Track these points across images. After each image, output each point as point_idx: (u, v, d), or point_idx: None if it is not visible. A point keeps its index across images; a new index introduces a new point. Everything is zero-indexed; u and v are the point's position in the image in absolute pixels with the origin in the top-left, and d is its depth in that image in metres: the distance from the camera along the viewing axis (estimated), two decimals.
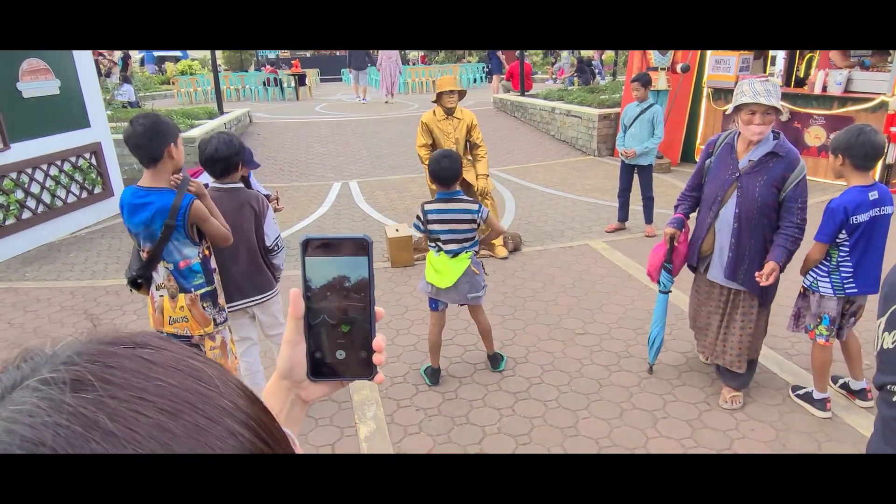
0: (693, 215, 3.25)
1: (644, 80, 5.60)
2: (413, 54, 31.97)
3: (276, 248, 3.07)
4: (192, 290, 2.67)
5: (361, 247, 0.66)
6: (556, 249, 5.52)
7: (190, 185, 2.55)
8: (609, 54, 23.08)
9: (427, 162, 5.27)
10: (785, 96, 7.53)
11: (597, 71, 19.23)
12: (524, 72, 13.08)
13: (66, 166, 6.31)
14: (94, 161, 6.68)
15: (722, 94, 7.98)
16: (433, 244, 3.41)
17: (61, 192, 6.25)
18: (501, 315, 4.29)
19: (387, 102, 15.60)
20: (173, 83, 18.91)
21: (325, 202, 7.29)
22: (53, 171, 6.13)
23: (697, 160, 3.15)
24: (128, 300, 4.69)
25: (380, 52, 16.04)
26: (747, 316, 3.03)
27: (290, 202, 7.32)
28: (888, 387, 1.08)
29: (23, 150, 5.80)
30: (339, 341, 0.69)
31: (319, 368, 0.70)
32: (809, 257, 2.98)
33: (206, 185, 2.82)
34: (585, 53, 24.42)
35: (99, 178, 6.75)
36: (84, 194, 6.55)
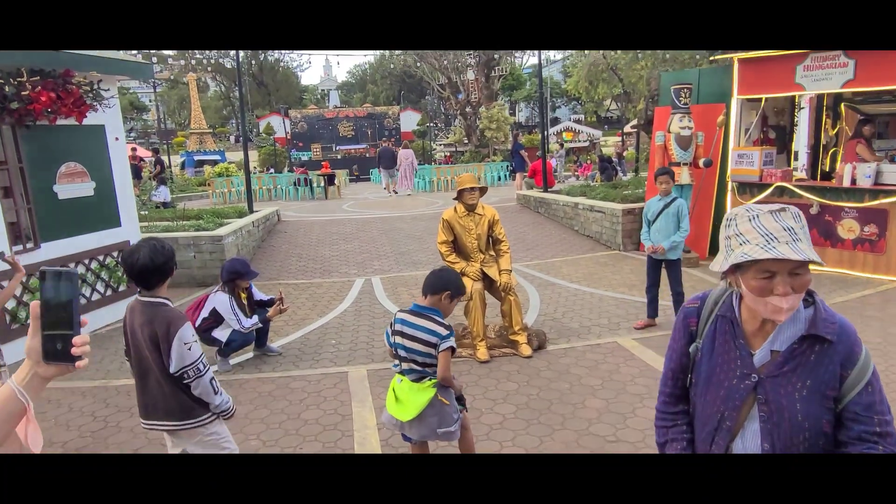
0: None
1: (672, 174, 5.59)
2: (439, 154, 33.18)
3: (185, 376, 2.54)
4: None
5: (69, 277, 1.12)
6: (583, 347, 5.27)
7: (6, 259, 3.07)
8: (630, 151, 23.60)
9: (448, 258, 5.22)
10: (813, 189, 7.42)
11: (619, 168, 19.56)
12: (546, 169, 13.31)
13: (94, 264, 6.41)
14: (121, 259, 6.79)
15: (747, 188, 7.91)
16: (397, 364, 3.02)
17: (86, 290, 6.30)
18: (526, 419, 4.00)
19: (409, 195, 17.58)
20: (209, 184, 19.74)
21: (346, 298, 7.21)
22: (80, 269, 6.22)
23: (670, 343, 1.74)
24: None
25: (399, 153, 18.39)
26: None
27: (311, 299, 7.26)
28: None
29: (53, 249, 5.93)
30: (59, 337, 1.11)
31: (48, 355, 1.12)
32: None
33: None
34: (607, 151, 25.04)
35: (124, 277, 6.82)
36: (108, 292, 6.60)
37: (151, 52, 45.20)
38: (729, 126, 8.06)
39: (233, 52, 14.23)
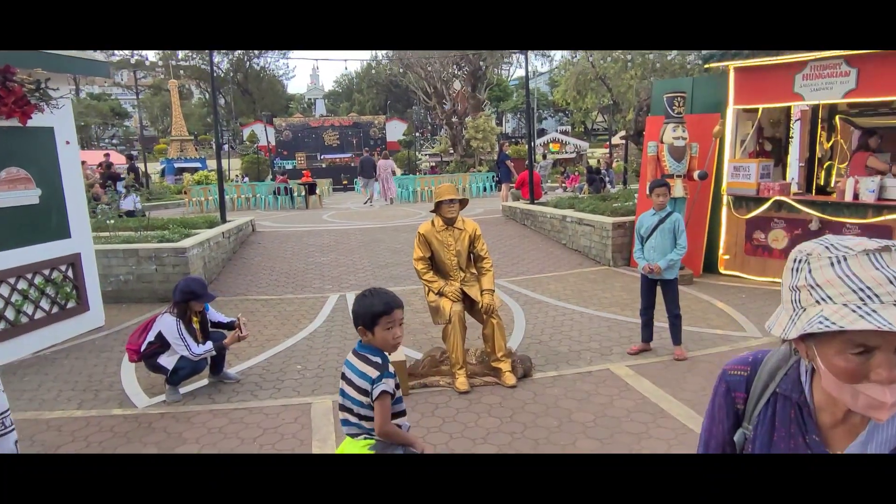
0: None
1: (668, 186, 5.19)
2: (424, 164, 32.76)
3: None
4: None
5: None
6: (573, 375, 4.80)
7: None
8: (618, 164, 23.33)
9: (424, 276, 4.74)
10: (813, 204, 7.06)
11: (607, 180, 19.24)
12: (534, 180, 12.91)
13: (38, 279, 5.83)
14: (70, 273, 6.21)
15: (743, 201, 7.53)
16: None
17: (28, 308, 5.72)
18: None
19: (391, 203, 18.05)
20: (185, 193, 19.12)
21: (317, 317, 6.69)
22: (22, 284, 5.65)
23: (705, 424, 1.23)
24: (68, 439, 3.99)
25: (378, 164, 18.57)
26: None
27: (279, 317, 6.73)
28: None
29: None
30: None
31: None
32: None
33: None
34: (594, 163, 24.77)
35: (74, 292, 6.24)
36: (55, 309, 6.02)
37: (138, 58, 44.47)
38: (724, 137, 7.69)
39: (210, 55, 13.74)
